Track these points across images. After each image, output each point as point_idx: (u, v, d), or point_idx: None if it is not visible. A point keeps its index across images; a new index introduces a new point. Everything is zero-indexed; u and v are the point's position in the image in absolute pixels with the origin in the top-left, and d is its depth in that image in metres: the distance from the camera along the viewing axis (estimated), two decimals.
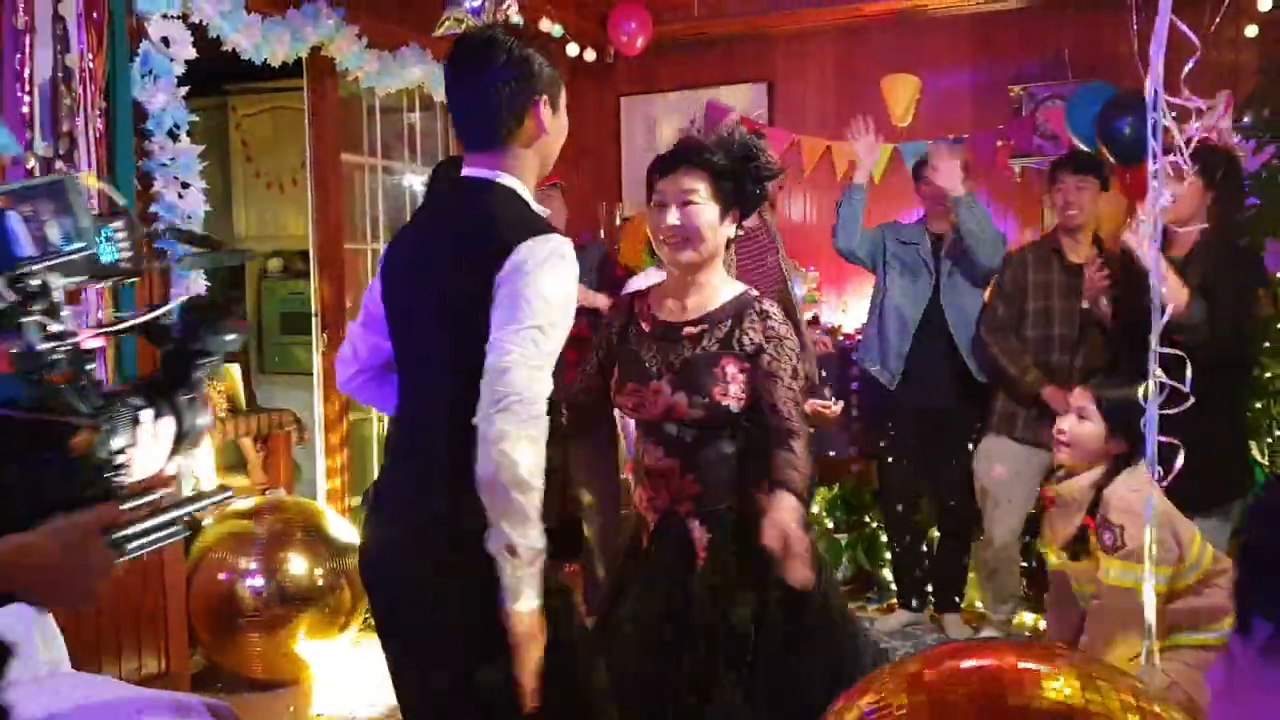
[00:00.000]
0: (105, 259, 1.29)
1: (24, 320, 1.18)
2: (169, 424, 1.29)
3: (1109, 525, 2.66)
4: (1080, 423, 2.82)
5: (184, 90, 3.52)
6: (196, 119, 3.65)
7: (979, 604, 4.49)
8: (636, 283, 4.03)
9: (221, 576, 3.74)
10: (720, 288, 2.40)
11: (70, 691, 1.93)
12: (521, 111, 2.00)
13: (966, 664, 1.42)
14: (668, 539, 2.35)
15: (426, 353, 2.01)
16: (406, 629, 2.02)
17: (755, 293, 2.44)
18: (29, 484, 1.14)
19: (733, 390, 2.28)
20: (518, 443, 1.71)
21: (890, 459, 4.46)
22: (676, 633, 2.29)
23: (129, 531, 1.17)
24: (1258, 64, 4.33)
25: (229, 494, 1.36)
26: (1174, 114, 1.55)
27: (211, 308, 1.38)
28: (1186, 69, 1.53)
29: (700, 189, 2.32)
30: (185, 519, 1.22)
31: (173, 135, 3.51)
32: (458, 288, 1.91)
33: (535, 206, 2.03)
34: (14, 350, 1.18)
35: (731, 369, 2.29)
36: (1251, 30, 4.49)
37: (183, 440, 1.31)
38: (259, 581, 3.73)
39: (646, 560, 2.39)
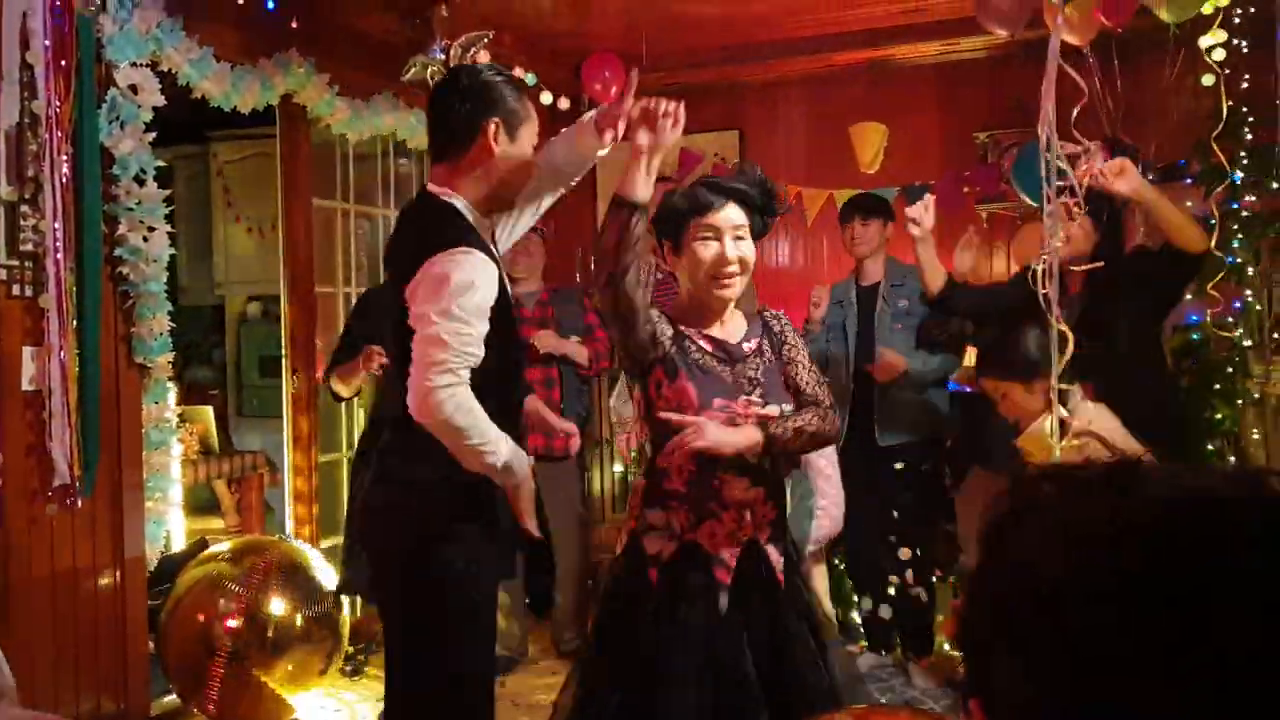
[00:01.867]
0: None
1: None
2: None
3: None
4: (1005, 401, 2.88)
5: (151, 136, 3.58)
6: (173, 168, 3.72)
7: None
8: None
9: (199, 617, 3.71)
10: (735, 310, 2.50)
11: None
12: (472, 131, 2.19)
13: None
14: (751, 567, 2.38)
15: (392, 358, 2.42)
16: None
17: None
18: None
19: (789, 396, 2.44)
20: (438, 392, 2.09)
21: (858, 499, 4.46)
22: (779, 657, 2.36)
23: None
24: (1210, 113, 4.41)
25: None
26: (1067, 155, 1.61)
27: None
28: (1074, 113, 1.59)
29: (746, 223, 2.40)
30: None
31: (139, 180, 3.56)
32: (393, 300, 2.22)
33: (474, 220, 2.22)
34: None
35: (782, 376, 2.46)
36: (1207, 79, 4.57)
37: None
38: (237, 623, 3.72)
39: (734, 594, 2.37)
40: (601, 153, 2.48)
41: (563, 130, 2.55)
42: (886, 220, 4.38)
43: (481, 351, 2.17)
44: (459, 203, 2.25)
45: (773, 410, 2.37)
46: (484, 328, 2.16)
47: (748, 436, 2.31)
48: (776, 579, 2.40)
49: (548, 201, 2.54)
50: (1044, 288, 1.63)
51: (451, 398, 2.11)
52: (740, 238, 2.38)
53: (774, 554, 2.41)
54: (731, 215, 2.38)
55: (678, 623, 2.32)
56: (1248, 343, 3.69)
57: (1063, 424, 2.53)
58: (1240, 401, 3.77)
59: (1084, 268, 2.46)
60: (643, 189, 2.20)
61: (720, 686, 2.29)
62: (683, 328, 2.43)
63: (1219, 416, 3.68)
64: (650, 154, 2.21)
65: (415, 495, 2.32)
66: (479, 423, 2.14)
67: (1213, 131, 3.28)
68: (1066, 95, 4.83)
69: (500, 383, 2.28)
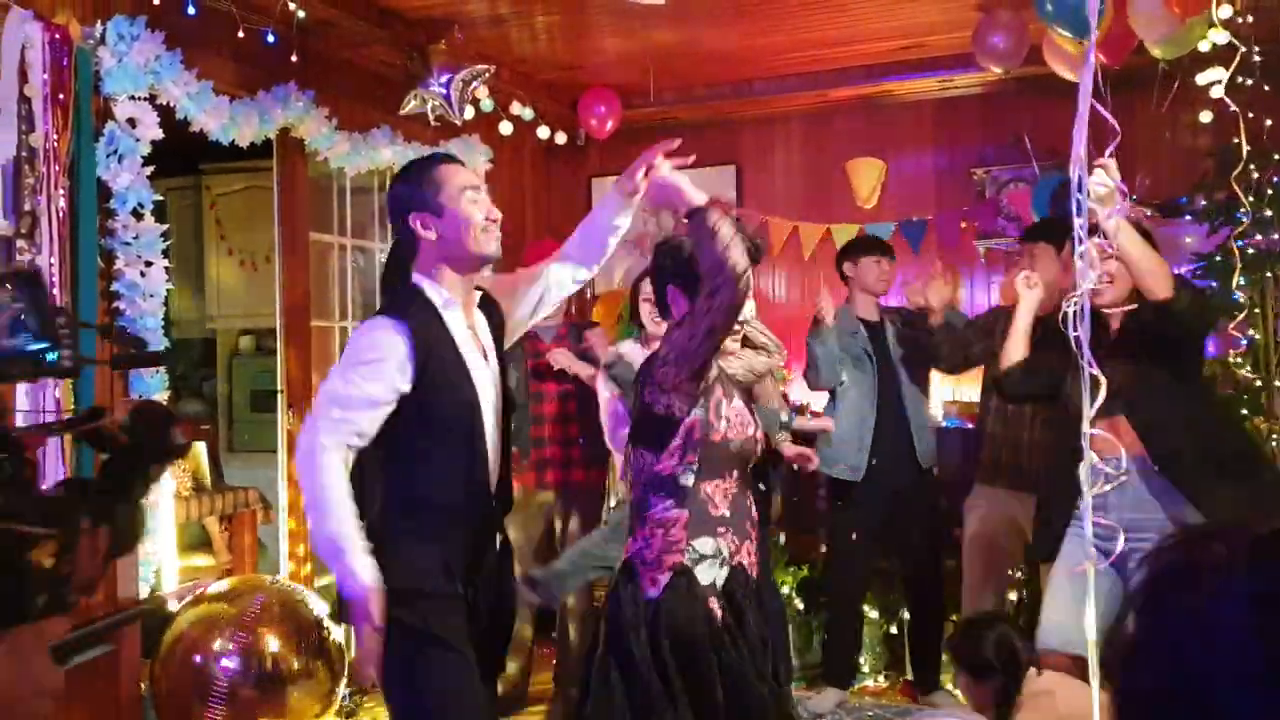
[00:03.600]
0: (49, 359, 1.24)
1: None
2: (104, 535, 1.24)
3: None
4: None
5: (149, 170, 3.54)
6: (162, 198, 3.68)
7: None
8: (625, 350, 4.09)
9: (195, 658, 3.63)
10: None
11: None
12: (408, 236, 2.41)
13: None
14: (750, 592, 2.48)
15: None
16: None
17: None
18: None
19: None
20: (302, 437, 2.26)
21: (850, 536, 4.45)
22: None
23: (69, 642, 1.13)
24: (1209, 149, 4.43)
25: (158, 608, 1.34)
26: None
27: (159, 414, 1.34)
28: (1109, 151, 1.57)
29: None
30: (116, 628, 1.17)
31: (137, 214, 3.52)
32: None
33: (435, 297, 2.38)
34: None
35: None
36: (1205, 116, 4.59)
37: (116, 552, 1.26)
38: (233, 663, 3.63)
39: (738, 618, 2.42)
40: (622, 221, 2.59)
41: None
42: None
43: (366, 421, 2.27)
44: (426, 284, 2.39)
45: (761, 435, 2.57)
46: (373, 391, 2.26)
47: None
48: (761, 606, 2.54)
49: (584, 275, 2.67)
50: (1075, 330, 1.60)
51: (304, 452, 2.25)
52: None
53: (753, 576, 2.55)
54: None
55: (740, 648, 2.39)
56: (1258, 381, 3.68)
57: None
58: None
59: (1120, 309, 2.45)
60: (699, 196, 2.36)
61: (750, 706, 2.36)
62: None
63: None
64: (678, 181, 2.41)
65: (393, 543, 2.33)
66: (324, 497, 2.22)
67: (1224, 169, 3.27)
68: (1065, 129, 4.87)
69: (463, 452, 2.34)
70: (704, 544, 2.42)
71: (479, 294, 2.49)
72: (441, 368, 2.31)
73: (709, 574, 2.41)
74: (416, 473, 2.34)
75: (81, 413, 1.29)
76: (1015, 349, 3.27)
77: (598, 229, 2.59)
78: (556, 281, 2.63)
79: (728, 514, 2.44)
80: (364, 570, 2.20)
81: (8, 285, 1.19)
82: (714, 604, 2.39)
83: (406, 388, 2.27)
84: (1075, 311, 1.60)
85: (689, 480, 2.43)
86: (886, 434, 4.33)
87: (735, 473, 2.48)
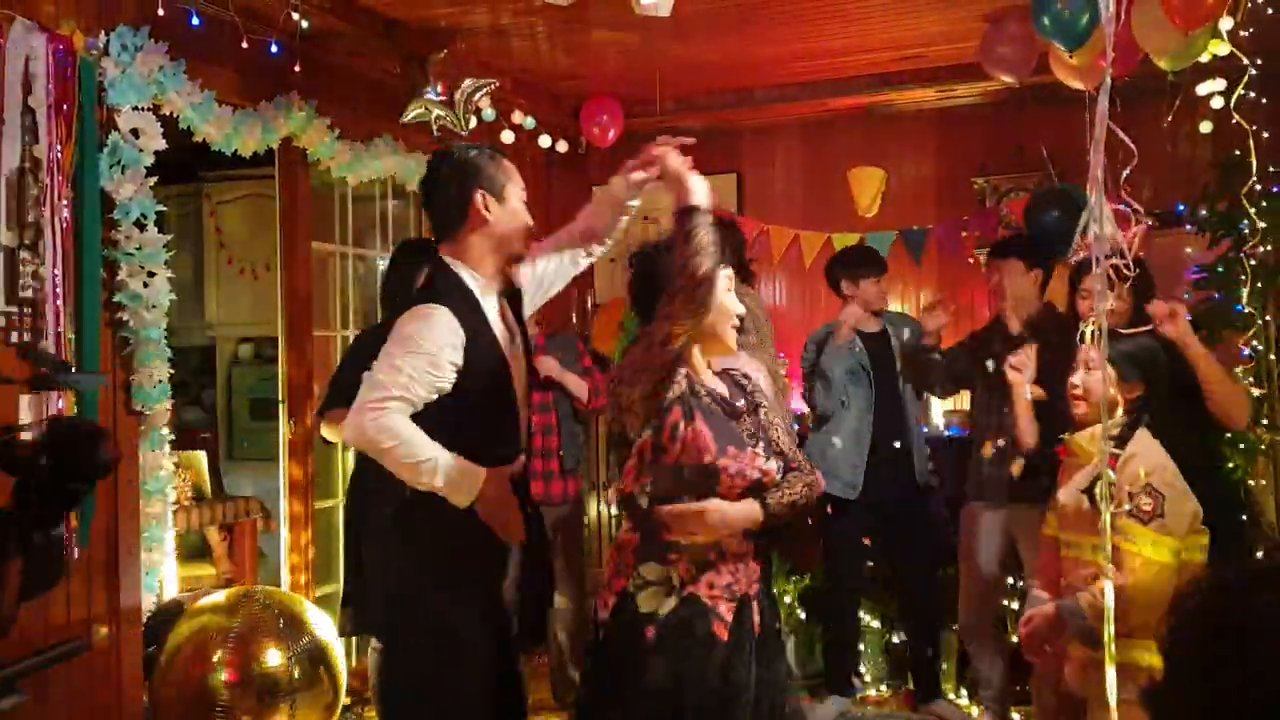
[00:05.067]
0: None
1: None
2: (15, 570, 1.10)
3: (1152, 492, 2.56)
4: (1090, 373, 2.77)
5: (153, 180, 3.53)
6: (166, 208, 3.67)
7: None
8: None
9: (194, 672, 3.59)
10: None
11: None
12: (464, 205, 2.43)
13: None
14: (745, 623, 2.32)
15: None
16: None
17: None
18: None
19: None
20: (363, 414, 2.29)
21: (844, 546, 4.44)
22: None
23: None
24: (1211, 159, 4.43)
25: (83, 646, 1.25)
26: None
27: (83, 432, 1.20)
28: (1124, 175, 1.57)
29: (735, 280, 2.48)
30: (28, 674, 1.05)
31: (140, 225, 3.51)
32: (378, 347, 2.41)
33: (473, 283, 2.44)
34: None
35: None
36: (1206, 126, 4.59)
37: (33, 590, 1.12)
38: (232, 675, 3.60)
39: (729, 649, 2.29)
40: (633, 203, 2.64)
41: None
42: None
43: (425, 393, 2.32)
44: (463, 270, 2.46)
45: (772, 466, 2.35)
46: (435, 378, 2.33)
47: (748, 513, 2.31)
48: (756, 633, 2.34)
49: (584, 261, 2.73)
50: (1094, 349, 1.60)
51: (374, 420, 2.27)
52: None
53: (757, 609, 2.36)
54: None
55: (678, 679, 2.24)
56: (1257, 391, 3.68)
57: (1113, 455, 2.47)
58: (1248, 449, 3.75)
59: (1133, 331, 2.45)
60: (698, 196, 2.29)
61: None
62: (694, 381, 2.37)
63: (1231, 465, 3.66)
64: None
65: (409, 540, 2.46)
66: (408, 442, 2.28)
67: (1227, 180, 3.28)
68: (1066, 138, 4.87)
69: (496, 430, 2.45)
70: (649, 569, 2.30)
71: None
72: (483, 354, 2.40)
73: (651, 602, 2.27)
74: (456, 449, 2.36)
75: None
76: (1027, 434, 3.61)
77: (609, 201, 2.65)
78: (557, 269, 2.70)
79: (683, 540, 2.29)
80: (475, 470, 2.32)
81: None
82: (650, 633, 2.25)
83: (455, 375, 2.36)
84: (1094, 331, 1.60)
85: (644, 502, 2.33)
86: (883, 450, 4.32)
87: (697, 498, 2.29)
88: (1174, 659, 0.69)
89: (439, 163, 2.53)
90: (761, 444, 2.37)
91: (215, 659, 3.61)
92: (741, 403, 2.45)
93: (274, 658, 3.67)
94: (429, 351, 2.32)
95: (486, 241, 2.47)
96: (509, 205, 2.49)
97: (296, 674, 3.69)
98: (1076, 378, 2.85)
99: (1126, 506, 2.48)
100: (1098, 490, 2.46)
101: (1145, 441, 2.67)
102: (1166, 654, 0.69)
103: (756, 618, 2.35)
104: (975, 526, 4.07)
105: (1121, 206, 1.65)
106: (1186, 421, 3.02)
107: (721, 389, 2.44)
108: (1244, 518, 3.66)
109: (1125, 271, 1.67)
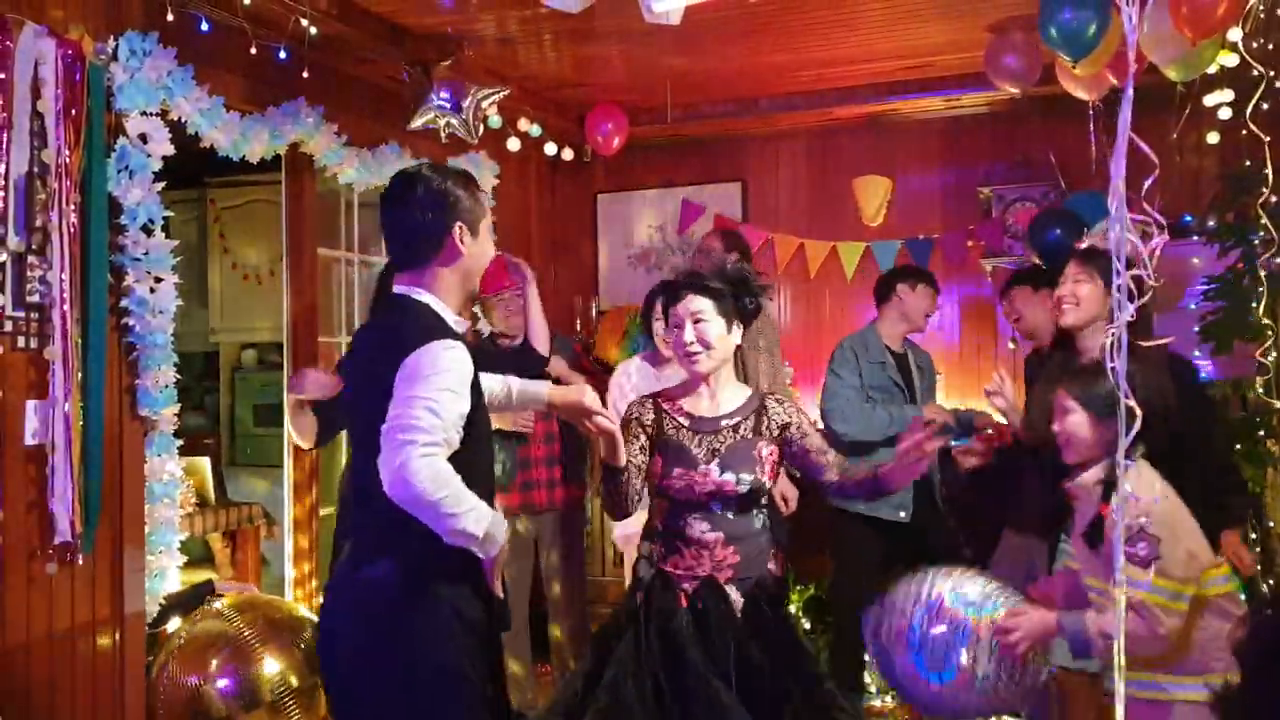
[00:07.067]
0: None
1: None
2: None
3: (1145, 537, 2.51)
4: (1066, 417, 2.75)
5: (160, 185, 3.53)
6: (172, 213, 3.66)
7: None
8: (622, 373, 4.11)
9: (190, 680, 3.56)
10: (738, 387, 2.86)
11: None
12: (440, 237, 2.33)
13: None
14: (710, 601, 2.68)
15: (356, 441, 2.47)
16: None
17: (764, 389, 3.04)
18: None
19: (767, 468, 2.76)
20: (414, 462, 2.10)
21: (856, 559, 4.37)
22: (735, 677, 2.60)
23: None
24: (1219, 170, 4.43)
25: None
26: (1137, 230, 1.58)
27: None
28: (1146, 186, 1.56)
29: (706, 308, 2.74)
30: None
31: (147, 230, 3.51)
32: (374, 389, 2.24)
33: (448, 318, 2.36)
34: None
35: (765, 451, 2.75)
36: (1213, 137, 4.60)
37: None
38: (229, 684, 3.57)
39: (692, 619, 2.66)
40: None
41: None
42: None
43: (459, 436, 2.23)
44: (434, 302, 2.35)
45: (728, 479, 2.70)
46: (463, 409, 2.24)
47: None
48: (734, 615, 2.67)
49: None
50: (1113, 361, 1.59)
51: (428, 467, 2.13)
52: (700, 321, 2.73)
53: (735, 594, 2.70)
54: (690, 304, 2.74)
55: (649, 635, 2.66)
56: (1277, 404, 3.66)
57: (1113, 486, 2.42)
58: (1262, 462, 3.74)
59: (1155, 343, 2.44)
60: (624, 456, 2.65)
61: (689, 699, 2.54)
62: (665, 404, 2.82)
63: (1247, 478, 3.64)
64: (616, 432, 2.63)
65: (382, 591, 2.29)
66: (456, 491, 2.16)
67: (1236, 190, 3.27)
68: (1071, 147, 4.87)
69: (481, 459, 2.39)
70: (644, 546, 2.83)
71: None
72: (477, 394, 2.35)
73: (643, 569, 2.79)
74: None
75: None
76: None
77: (531, 399, 2.75)
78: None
79: (659, 527, 2.79)
80: (501, 518, 2.28)
81: None
82: (640, 596, 2.74)
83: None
84: (1112, 342, 1.59)
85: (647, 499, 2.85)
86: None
87: (665, 503, 2.77)
88: (1249, 667, 0.68)
89: (411, 185, 2.35)
90: (719, 459, 2.72)
91: (211, 668, 3.57)
92: (733, 420, 2.78)
93: (272, 668, 3.62)
94: (458, 391, 2.23)
95: (454, 276, 2.37)
96: (481, 239, 2.40)
97: (295, 684, 3.66)
98: (1056, 425, 2.79)
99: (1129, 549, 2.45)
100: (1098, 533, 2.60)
101: (1145, 477, 2.59)
102: (1242, 661, 0.68)
103: (733, 600, 2.69)
104: (1013, 554, 3.94)
105: (1141, 218, 1.64)
106: (1190, 446, 2.97)
107: (708, 410, 2.80)
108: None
109: (1149, 283, 1.66)
